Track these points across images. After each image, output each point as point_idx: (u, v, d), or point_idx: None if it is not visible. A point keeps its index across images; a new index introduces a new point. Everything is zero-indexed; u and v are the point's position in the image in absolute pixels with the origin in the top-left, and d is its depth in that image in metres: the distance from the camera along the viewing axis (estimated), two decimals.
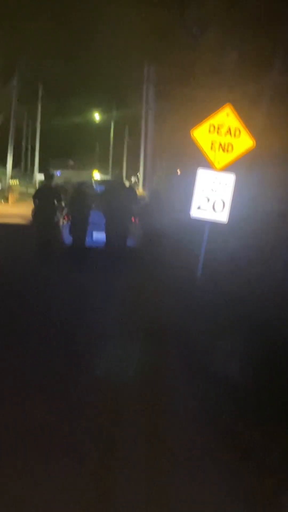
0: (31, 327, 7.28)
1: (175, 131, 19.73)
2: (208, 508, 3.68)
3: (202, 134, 9.54)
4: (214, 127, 9.49)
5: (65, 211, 13.59)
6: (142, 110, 30.31)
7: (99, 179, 37.67)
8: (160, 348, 6.75)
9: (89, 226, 13.01)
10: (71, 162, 50.80)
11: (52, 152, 47.66)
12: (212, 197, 9.50)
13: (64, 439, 4.34)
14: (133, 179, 45.33)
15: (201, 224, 9.81)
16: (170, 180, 22.65)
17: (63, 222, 13.58)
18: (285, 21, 14.53)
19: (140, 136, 32.81)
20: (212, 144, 9.51)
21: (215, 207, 9.48)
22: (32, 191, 18.40)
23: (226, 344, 6.63)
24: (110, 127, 53.94)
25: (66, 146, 51.41)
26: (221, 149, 9.50)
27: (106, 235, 12.98)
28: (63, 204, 13.55)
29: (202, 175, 9.53)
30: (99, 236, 13.33)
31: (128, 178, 45.48)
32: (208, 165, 9.61)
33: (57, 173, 36.61)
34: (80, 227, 12.87)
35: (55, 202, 12.87)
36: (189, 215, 9.69)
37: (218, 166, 9.53)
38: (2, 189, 36.99)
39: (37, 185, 36.09)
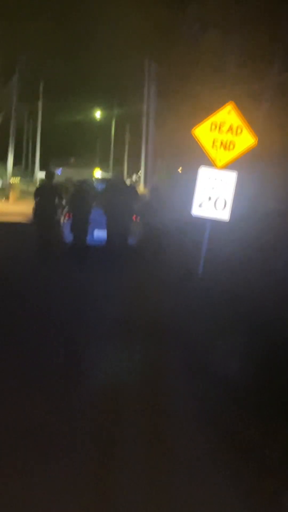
0: (31, 326, 7.27)
1: (176, 129, 19.71)
2: (208, 508, 3.68)
3: (204, 132, 9.53)
4: (215, 125, 9.48)
5: (66, 209, 13.58)
6: (143, 108, 30.28)
7: (100, 177, 37.65)
8: (160, 348, 6.75)
9: (90, 224, 13.01)
10: (72, 160, 50.76)
11: (53, 150, 47.61)
12: (214, 195, 9.50)
13: (64, 439, 4.34)
14: (134, 177, 45.30)
15: (202, 222, 9.80)
16: (171, 178, 22.63)
17: (64, 220, 13.57)
18: (287, 18, 14.51)
19: (141, 134, 32.77)
20: (213, 142, 9.50)
21: (217, 205, 9.48)
22: (33, 189, 18.37)
23: (226, 343, 6.62)
24: (111, 125, 53.90)
25: (67, 144, 51.36)
26: (222, 147, 9.49)
27: (107, 233, 12.98)
28: (64, 202, 13.54)
29: (204, 173, 9.52)
30: (100, 234, 13.33)
31: (129, 176, 45.46)
32: (210, 163, 9.61)
33: (58, 171, 36.61)
34: (81, 225, 12.86)
35: (56, 200, 12.86)
36: (190, 213, 9.69)
37: (219, 164, 9.53)
38: (3, 187, 36.99)
39: (37, 183, 36.07)
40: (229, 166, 9.60)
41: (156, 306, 8.61)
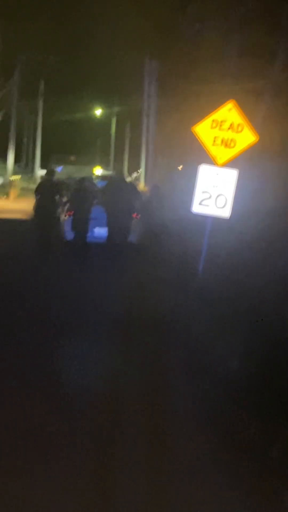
0: (31, 324, 7.27)
1: (177, 127, 19.69)
2: (208, 508, 3.68)
3: (204, 130, 9.52)
4: (216, 122, 9.46)
5: (66, 207, 13.57)
6: (144, 106, 30.25)
7: (100, 175, 37.62)
8: (160, 347, 6.75)
9: (90, 222, 13.00)
10: (72, 158, 50.69)
11: (53, 147, 47.54)
12: (214, 192, 9.48)
13: (64, 439, 4.34)
14: (134, 174, 45.27)
15: (203, 219, 9.79)
16: (171, 176, 22.62)
17: (65, 218, 13.57)
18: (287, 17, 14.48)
19: (141, 132, 32.75)
20: (214, 139, 9.49)
21: (217, 202, 9.47)
22: (33, 186, 18.37)
23: (226, 342, 6.61)
24: (111, 123, 53.86)
25: (67, 142, 51.30)
26: (223, 145, 9.48)
27: (108, 231, 12.97)
28: (64, 199, 13.54)
29: (204, 171, 9.51)
30: (100, 231, 13.33)
31: (130, 174, 45.43)
32: (210, 160, 9.59)
33: (59, 168, 36.57)
34: (81, 223, 12.86)
35: (57, 197, 12.87)
36: (191, 211, 9.67)
37: (220, 161, 9.51)
38: (3, 184, 36.96)
39: (38, 181, 36.06)
40: (229, 163, 9.58)
41: (156, 305, 8.61)
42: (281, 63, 14.83)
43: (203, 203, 9.50)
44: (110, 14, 21.80)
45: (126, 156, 53.03)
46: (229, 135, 9.45)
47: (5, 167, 39.55)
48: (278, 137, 13.18)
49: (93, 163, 48.29)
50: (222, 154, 9.51)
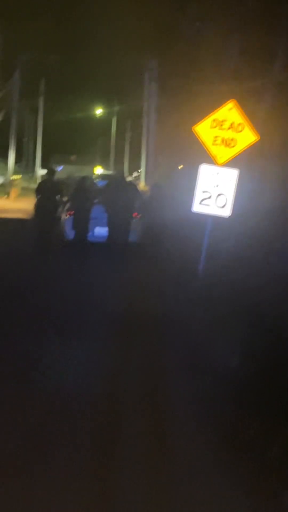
0: (31, 323, 7.27)
1: (177, 126, 19.69)
2: (208, 508, 3.68)
3: (205, 130, 9.52)
4: (216, 122, 9.46)
5: (67, 206, 13.58)
6: (144, 105, 30.26)
7: (101, 174, 37.61)
8: (160, 345, 6.75)
9: (91, 221, 13.00)
10: (73, 157, 50.70)
11: (54, 147, 47.56)
12: (215, 192, 9.48)
13: (64, 439, 4.34)
14: (135, 174, 45.27)
15: (203, 218, 9.79)
16: (172, 175, 22.62)
17: (65, 217, 13.57)
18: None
19: (142, 131, 32.76)
20: (214, 139, 9.49)
21: (218, 202, 9.46)
22: (34, 186, 18.42)
23: (227, 341, 6.61)
24: (112, 122, 53.87)
25: (68, 142, 51.30)
26: (223, 144, 9.48)
27: (108, 230, 12.97)
28: (65, 199, 13.55)
29: (205, 170, 9.50)
30: (101, 231, 13.33)
31: (130, 173, 45.44)
32: (210, 160, 9.59)
33: (59, 168, 36.56)
34: (82, 222, 12.86)
35: (57, 197, 12.89)
36: (191, 210, 9.67)
37: (220, 161, 9.51)
38: (4, 184, 36.98)
39: (38, 181, 36.07)
40: (229, 163, 9.58)
41: (156, 304, 8.61)
42: (281, 62, 14.82)
43: (203, 202, 9.50)
44: (111, 13, 21.80)
45: (126, 156, 53.04)
46: (229, 134, 9.44)
47: (5, 167, 39.58)
48: (278, 136, 13.18)
49: (93, 163, 48.34)
50: (223, 153, 9.50)
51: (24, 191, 33.30)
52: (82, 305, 8.53)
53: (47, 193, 12.80)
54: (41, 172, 42.19)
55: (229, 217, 9.55)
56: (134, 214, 13.17)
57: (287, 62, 14.82)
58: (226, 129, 9.46)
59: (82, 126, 51.40)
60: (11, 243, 14.23)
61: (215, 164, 9.53)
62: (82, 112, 48.09)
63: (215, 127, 9.47)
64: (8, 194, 33.57)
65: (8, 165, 39.20)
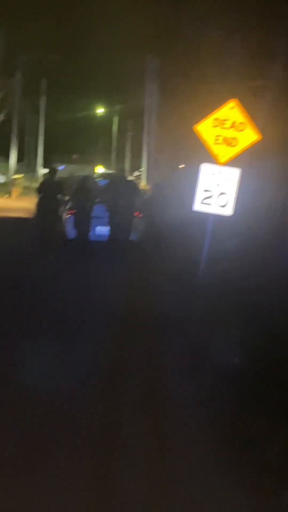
0: (32, 322, 7.27)
1: (178, 125, 19.68)
2: (208, 508, 3.68)
3: (206, 128, 9.50)
4: (218, 121, 9.45)
5: (68, 205, 13.60)
6: (145, 104, 30.25)
7: (102, 174, 37.62)
8: (161, 344, 6.75)
9: (92, 220, 13.02)
10: (74, 157, 50.71)
11: (55, 146, 47.57)
12: (216, 191, 9.46)
13: (64, 439, 4.34)
14: (136, 173, 45.26)
15: (205, 217, 9.78)
16: (173, 174, 22.60)
17: (67, 216, 13.60)
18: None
19: (143, 130, 32.74)
20: (216, 138, 9.47)
21: (219, 201, 9.45)
22: (35, 185, 18.47)
23: (228, 340, 6.61)
24: (113, 122, 53.86)
25: (69, 141, 51.30)
26: (225, 144, 9.47)
27: (109, 229, 12.98)
28: (66, 198, 13.57)
29: (206, 169, 9.49)
30: (102, 230, 13.35)
31: (131, 173, 45.42)
32: (211, 159, 9.58)
33: (61, 167, 36.57)
34: (83, 221, 12.89)
35: (59, 196, 12.91)
36: (192, 209, 9.66)
37: (222, 160, 9.50)
38: (5, 183, 37.04)
39: (40, 180, 36.07)
40: (231, 162, 9.56)
41: (158, 303, 8.61)
42: (282, 62, 14.79)
43: (205, 201, 9.49)
44: (111, 13, 21.81)
45: (127, 155, 53.01)
46: (231, 133, 9.42)
47: (7, 166, 39.63)
48: (280, 136, 13.16)
49: (94, 162, 48.31)
50: (224, 152, 9.48)
51: (26, 190, 33.34)
52: (82, 304, 8.54)
53: (48, 192, 12.82)
54: (42, 171, 42.19)
55: (231, 216, 9.54)
56: (135, 213, 13.19)
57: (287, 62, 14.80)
58: (227, 128, 9.44)
59: (83, 126, 51.40)
60: (12, 242, 14.23)
61: (216, 163, 9.51)
62: (83, 111, 48.12)
63: (216, 126, 9.45)
64: (9, 193, 33.62)
65: (10, 165, 39.25)
